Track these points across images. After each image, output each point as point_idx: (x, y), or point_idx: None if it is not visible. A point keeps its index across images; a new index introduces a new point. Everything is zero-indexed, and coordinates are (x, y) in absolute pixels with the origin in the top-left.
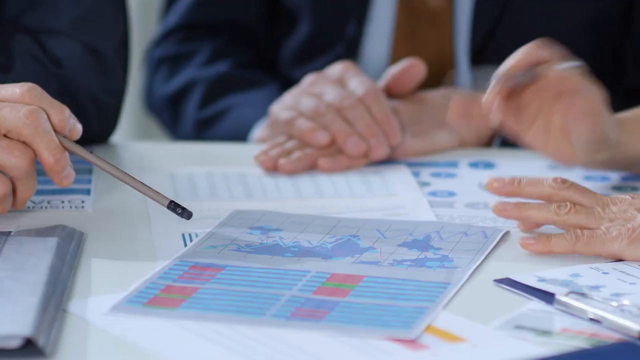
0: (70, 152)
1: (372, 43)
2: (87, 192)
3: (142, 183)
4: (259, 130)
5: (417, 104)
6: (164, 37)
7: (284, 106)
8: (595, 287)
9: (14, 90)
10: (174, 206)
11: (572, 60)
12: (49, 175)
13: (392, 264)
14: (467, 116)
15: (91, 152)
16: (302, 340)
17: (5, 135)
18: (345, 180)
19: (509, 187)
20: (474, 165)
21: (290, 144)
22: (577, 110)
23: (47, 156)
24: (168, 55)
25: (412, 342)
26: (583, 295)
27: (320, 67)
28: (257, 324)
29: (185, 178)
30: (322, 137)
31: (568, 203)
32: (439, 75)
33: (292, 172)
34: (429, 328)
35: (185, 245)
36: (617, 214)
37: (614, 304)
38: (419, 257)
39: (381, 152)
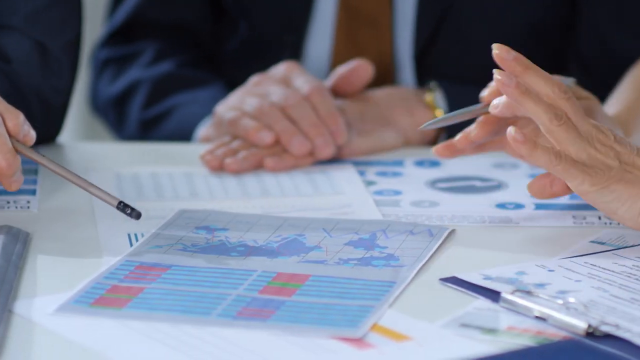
0: (22, 155)
1: (314, 44)
2: (33, 192)
3: (92, 184)
4: (204, 129)
5: (362, 103)
6: (109, 37)
7: (228, 106)
8: (541, 285)
9: None
10: (123, 206)
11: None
12: None
13: (338, 262)
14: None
15: (43, 156)
16: (248, 339)
17: None
18: (291, 179)
19: (517, 65)
20: (420, 164)
21: (236, 144)
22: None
23: (0, 160)
24: (113, 56)
25: (358, 341)
26: (529, 293)
27: (263, 68)
28: (203, 324)
29: (130, 178)
30: (266, 137)
31: (564, 114)
32: (380, 75)
33: (238, 172)
34: (374, 327)
35: (131, 245)
36: (599, 151)
37: (560, 301)
38: (365, 255)
39: (327, 151)
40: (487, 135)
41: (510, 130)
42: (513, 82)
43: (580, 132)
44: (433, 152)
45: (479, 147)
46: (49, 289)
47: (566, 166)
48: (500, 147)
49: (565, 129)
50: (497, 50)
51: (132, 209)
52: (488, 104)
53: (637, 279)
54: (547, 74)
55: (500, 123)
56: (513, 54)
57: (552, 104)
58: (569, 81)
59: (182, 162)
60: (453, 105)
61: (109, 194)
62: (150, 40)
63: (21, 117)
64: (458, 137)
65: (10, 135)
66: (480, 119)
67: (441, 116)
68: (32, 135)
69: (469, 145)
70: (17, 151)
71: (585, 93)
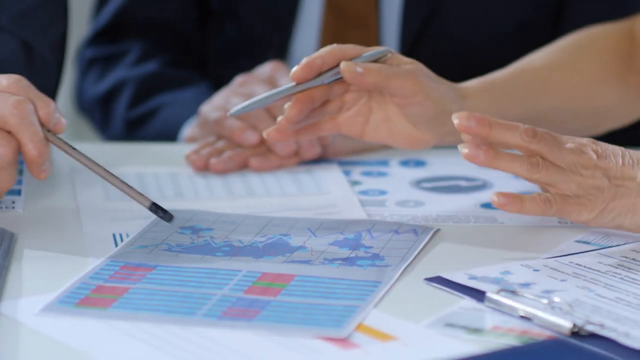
0: (54, 146)
1: (300, 45)
2: (18, 192)
3: (125, 182)
4: (189, 129)
5: None
6: (95, 37)
7: (213, 106)
8: (526, 285)
9: (0, 81)
10: (155, 208)
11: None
12: (29, 167)
13: (323, 262)
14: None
15: (74, 148)
16: (233, 339)
17: None
18: (276, 179)
19: (480, 128)
20: (405, 163)
21: (221, 144)
22: (401, 95)
23: (31, 148)
24: (99, 56)
25: (343, 341)
26: (514, 292)
27: (249, 67)
28: (188, 324)
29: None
30: (251, 137)
31: (539, 160)
32: None
33: (223, 172)
34: (359, 327)
35: (116, 245)
36: (586, 177)
37: (545, 301)
38: (350, 255)
39: (312, 151)
40: (300, 114)
41: (493, 197)
42: (481, 155)
43: (561, 166)
44: (264, 135)
45: (298, 131)
46: (34, 289)
47: (559, 207)
48: (316, 132)
49: (545, 172)
50: (457, 119)
51: (165, 211)
52: (297, 84)
53: (622, 279)
54: (510, 123)
55: (311, 102)
56: (473, 119)
57: (526, 149)
58: (384, 50)
59: (167, 162)
60: None
61: (141, 194)
62: (135, 39)
63: (52, 105)
64: (278, 119)
65: (41, 124)
66: (292, 99)
67: (250, 100)
68: (63, 123)
69: (288, 126)
70: (47, 140)
71: (407, 59)
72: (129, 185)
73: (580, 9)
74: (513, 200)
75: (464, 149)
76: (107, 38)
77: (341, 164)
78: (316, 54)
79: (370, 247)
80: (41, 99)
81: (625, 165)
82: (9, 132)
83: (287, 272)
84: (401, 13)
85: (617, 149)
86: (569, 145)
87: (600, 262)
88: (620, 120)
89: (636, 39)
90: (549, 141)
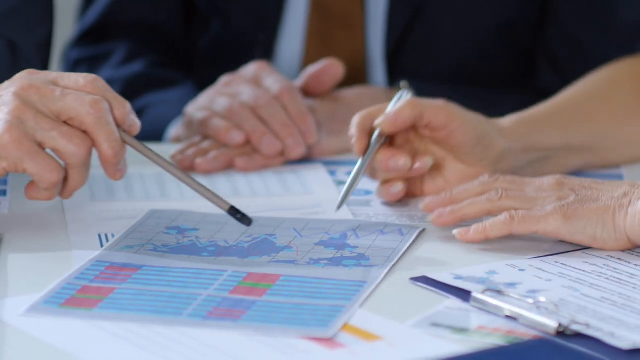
0: (129, 147)
1: (286, 45)
2: (4, 193)
3: (202, 185)
4: (174, 130)
5: (333, 102)
6: (81, 37)
7: (198, 106)
8: (512, 285)
9: (77, 79)
10: (234, 212)
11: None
12: (104, 167)
13: (309, 262)
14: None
15: (150, 150)
16: (219, 339)
17: (65, 122)
18: (261, 179)
19: (443, 202)
20: None
21: (206, 144)
22: (438, 126)
23: (107, 148)
24: (84, 56)
25: (329, 341)
26: (499, 292)
27: (234, 67)
28: (174, 324)
29: (102, 178)
30: (236, 137)
31: (499, 189)
32: (351, 75)
33: (208, 172)
34: (345, 326)
35: (102, 245)
36: (550, 193)
37: (530, 301)
38: (336, 255)
39: (298, 151)
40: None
41: (455, 234)
42: (445, 214)
43: (522, 193)
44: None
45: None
46: (19, 289)
47: (523, 219)
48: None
49: (506, 197)
50: (424, 208)
51: (244, 215)
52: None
53: (607, 278)
54: (465, 186)
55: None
56: (435, 201)
57: (488, 190)
58: (402, 91)
59: (152, 163)
60: None
61: (220, 198)
62: (121, 40)
63: (128, 106)
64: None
65: (117, 125)
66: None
67: (344, 189)
68: (137, 125)
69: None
70: (122, 141)
71: (435, 102)
72: (206, 188)
73: (562, 8)
74: (477, 232)
75: (432, 219)
76: (93, 39)
77: (326, 163)
78: (353, 131)
79: (356, 247)
80: (117, 99)
81: (592, 182)
82: (84, 132)
83: (273, 272)
84: (387, 12)
85: (584, 179)
86: (526, 179)
87: (586, 262)
88: None
89: None
90: (508, 179)
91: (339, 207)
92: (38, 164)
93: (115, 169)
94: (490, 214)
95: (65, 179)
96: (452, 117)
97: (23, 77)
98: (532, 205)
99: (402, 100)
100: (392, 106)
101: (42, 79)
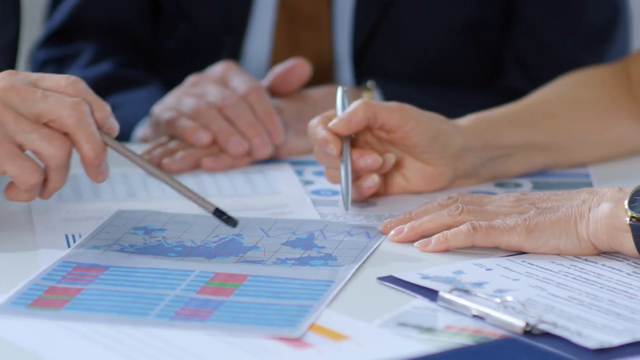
0: (110, 149)
1: (253, 44)
2: None
3: (186, 187)
4: (141, 130)
5: (300, 102)
6: (48, 38)
7: (165, 107)
8: (479, 284)
9: (58, 81)
10: (219, 213)
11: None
12: (86, 169)
13: (276, 262)
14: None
15: (131, 151)
16: (186, 340)
17: (46, 124)
18: (228, 179)
19: (402, 221)
20: None
21: (173, 144)
22: (392, 127)
23: (88, 150)
24: (52, 57)
25: (296, 341)
26: (466, 292)
27: (201, 67)
28: (141, 324)
29: (69, 179)
30: (203, 137)
31: (459, 204)
32: (318, 75)
33: (176, 172)
34: (312, 326)
35: (69, 246)
36: (510, 208)
37: (497, 300)
38: (303, 255)
39: (265, 151)
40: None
41: (416, 246)
42: (405, 231)
43: (482, 208)
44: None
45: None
46: None
47: (485, 232)
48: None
49: (467, 212)
50: (383, 230)
51: (229, 217)
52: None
53: (574, 278)
54: (424, 205)
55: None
56: (394, 221)
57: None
58: (345, 90)
59: (119, 163)
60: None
61: (204, 200)
62: (88, 40)
63: (108, 108)
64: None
65: (97, 127)
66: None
67: (343, 190)
68: (116, 127)
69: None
70: (103, 143)
71: (389, 103)
72: (190, 190)
73: (528, 8)
74: (439, 242)
75: (393, 238)
76: (61, 39)
77: (293, 163)
78: (323, 134)
79: (323, 247)
80: (97, 101)
81: (550, 194)
82: (64, 134)
83: (240, 272)
84: (353, 12)
85: (543, 192)
86: (488, 196)
87: (553, 262)
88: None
89: (630, 77)
90: (466, 195)
91: (347, 207)
92: (18, 166)
93: (98, 170)
94: (451, 228)
95: (45, 181)
96: (406, 118)
97: (3, 78)
98: (493, 216)
99: (355, 102)
100: (339, 107)
101: (22, 81)
